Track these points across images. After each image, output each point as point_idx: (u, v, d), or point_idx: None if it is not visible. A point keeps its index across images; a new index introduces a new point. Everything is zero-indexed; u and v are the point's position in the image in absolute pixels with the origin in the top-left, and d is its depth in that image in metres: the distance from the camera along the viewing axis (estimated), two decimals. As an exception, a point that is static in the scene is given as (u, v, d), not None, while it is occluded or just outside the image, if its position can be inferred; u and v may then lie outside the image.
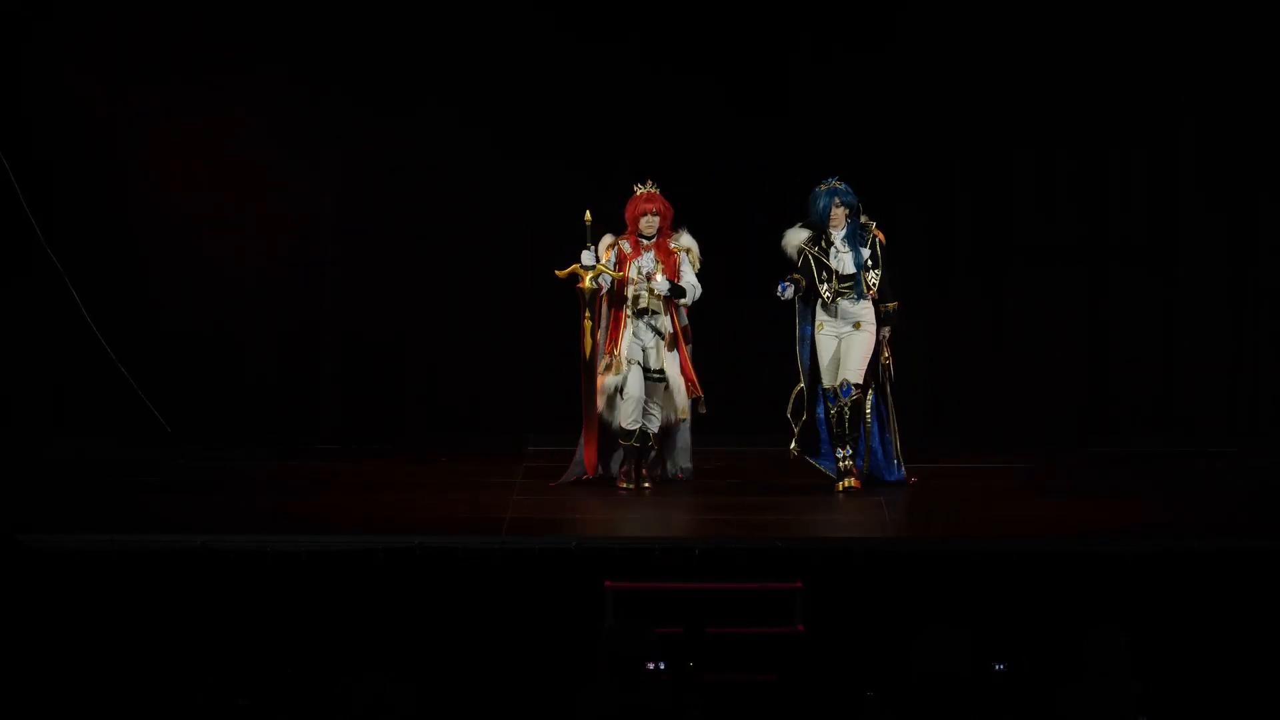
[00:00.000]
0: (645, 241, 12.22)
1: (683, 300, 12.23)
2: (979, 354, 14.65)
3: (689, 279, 12.23)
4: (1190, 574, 10.81)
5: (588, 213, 12.02)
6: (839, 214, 12.08)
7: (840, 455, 12.21)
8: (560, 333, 14.23)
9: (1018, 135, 14.50)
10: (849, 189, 12.14)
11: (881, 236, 12.26)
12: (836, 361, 12.19)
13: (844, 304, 12.12)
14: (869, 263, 12.15)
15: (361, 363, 14.63)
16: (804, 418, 12.29)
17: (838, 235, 12.12)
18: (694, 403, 12.29)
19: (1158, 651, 10.18)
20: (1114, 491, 12.87)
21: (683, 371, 12.27)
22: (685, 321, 12.34)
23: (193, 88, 14.34)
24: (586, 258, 12.12)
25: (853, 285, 12.11)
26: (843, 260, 12.12)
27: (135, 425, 14.28)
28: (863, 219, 12.25)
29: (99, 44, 14.32)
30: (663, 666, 8.63)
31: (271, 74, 14.37)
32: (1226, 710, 10.22)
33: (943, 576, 10.85)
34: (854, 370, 12.17)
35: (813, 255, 12.09)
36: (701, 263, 12.29)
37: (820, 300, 12.17)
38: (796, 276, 12.13)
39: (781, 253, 12.26)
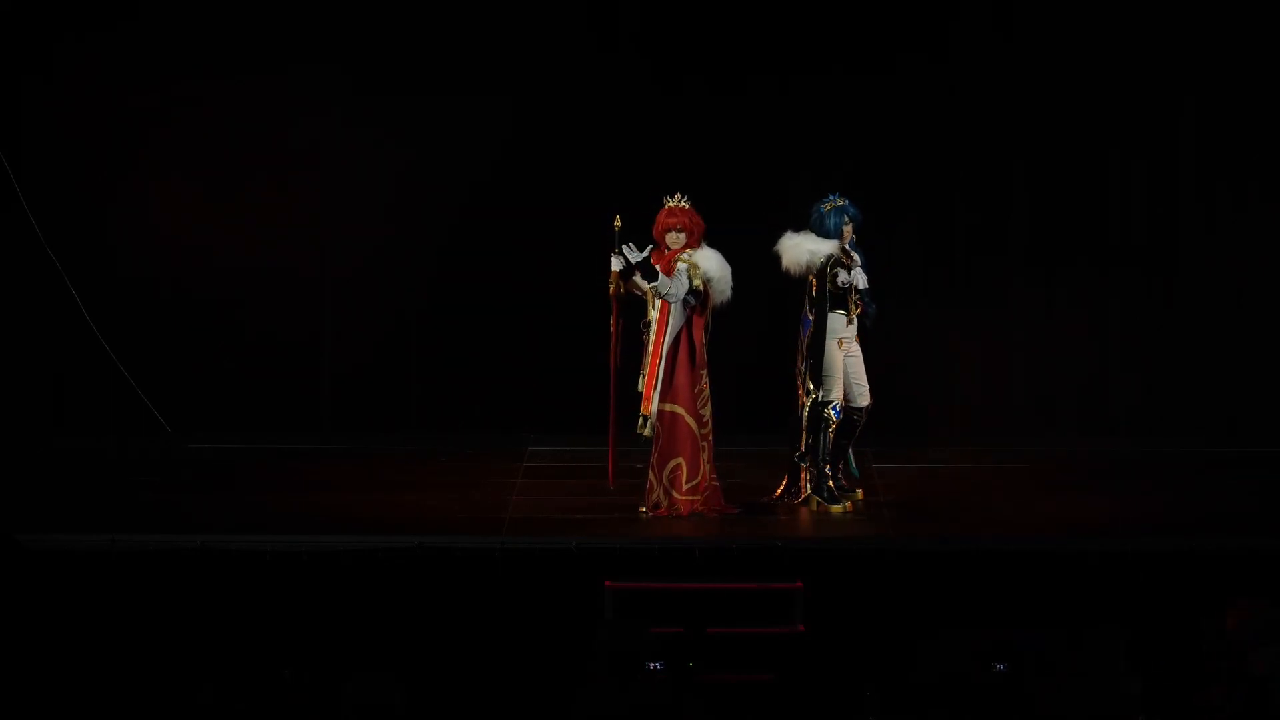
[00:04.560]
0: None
1: (656, 288, 11.66)
2: (979, 353, 14.64)
3: (674, 279, 11.69)
4: (1190, 574, 10.81)
5: (617, 218, 11.85)
6: (847, 231, 12.02)
7: (830, 474, 12.07)
8: (560, 333, 14.25)
9: (1017, 135, 14.49)
10: (852, 204, 12.04)
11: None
12: (847, 377, 12.08)
13: (857, 319, 12.07)
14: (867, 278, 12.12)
15: (362, 362, 14.62)
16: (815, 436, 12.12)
17: (853, 252, 12.04)
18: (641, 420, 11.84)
19: (1158, 651, 10.19)
20: (1114, 491, 12.86)
21: (645, 384, 11.82)
22: (680, 338, 11.77)
23: (193, 83, 14.35)
24: (616, 263, 11.90)
25: (863, 300, 12.05)
26: (860, 275, 12.05)
27: (134, 424, 14.28)
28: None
29: (99, 45, 14.33)
30: (660, 666, 8.64)
31: (273, 71, 14.36)
32: (1226, 710, 10.21)
33: (942, 576, 10.85)
34: (868, 391, 12.12)
35: (847, 267, 12.00)
36: (709, 283, 11.75)
37: (845, 313, 12.03)
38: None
39: (778, 259, 12.09)
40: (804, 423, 12.03)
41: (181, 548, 10.87)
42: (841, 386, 12.01)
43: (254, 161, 14.47)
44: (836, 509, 11.97)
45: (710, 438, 11.86)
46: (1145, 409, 14.61)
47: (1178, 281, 14.61)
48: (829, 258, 11.92)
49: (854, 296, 12.01)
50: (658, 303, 11.81)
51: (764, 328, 13.76)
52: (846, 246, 12.01)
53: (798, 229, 12.04)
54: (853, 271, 12.00)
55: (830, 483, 12.01)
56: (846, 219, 11.99)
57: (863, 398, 12.11)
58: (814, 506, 12.01)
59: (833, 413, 11.99)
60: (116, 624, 10.61)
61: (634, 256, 11.75)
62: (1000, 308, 14.65)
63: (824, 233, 11.98)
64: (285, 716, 8.64)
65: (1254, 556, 10.90)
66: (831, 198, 12.06)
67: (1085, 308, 14.61)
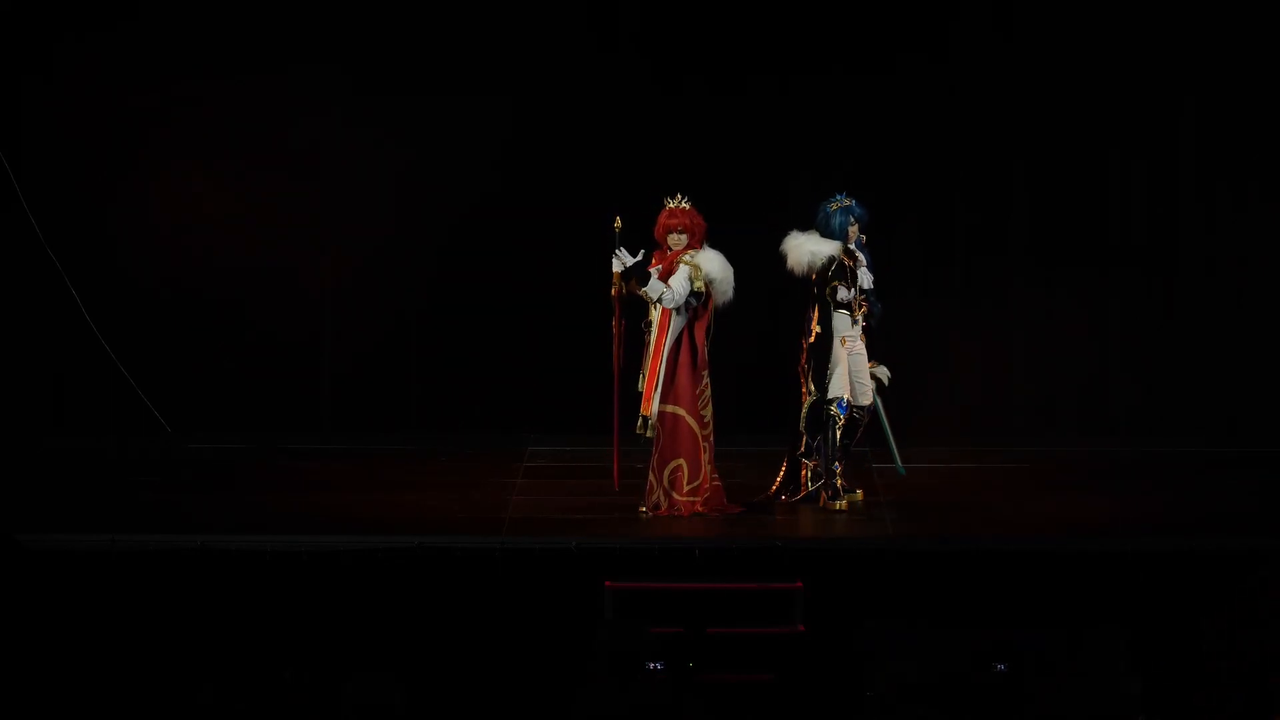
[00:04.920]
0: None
1: (647, 293, 11.68)
2: (979, 353, 14.65)
3: (673, 282, 11.65)
4: (1190, 574, 10.81)
5: (618, 219, 11.83)
6: (853, 231, 12.01)
7: (837, 471, 12.07)
8: (561, 333, 14.25)
9: (1017, 135, 14.50)
10: (858, 204, 12.04)
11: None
12: (850, 376, 12.06)
13: (860, 319, 12.06)
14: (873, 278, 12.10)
15: (362, 362, 14.62)
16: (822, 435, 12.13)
17: (858, 252, 12.04)
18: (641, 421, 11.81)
19: (1158, 651, 10.19)
20: (1114, 491, 12.87)
21: (646, 385, 11.80)
22: (682, 339, 11.75)
23: (193, 84, 14.35)
24: (616, 264, 11.86)
25: (868, 300, 12.05)
26: (865, 275, 12.05)
27: (134, 425, 14.28)
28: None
29: (99, 45, 14.33)
30: (660, 666, 8.63)
31: (273, 71, 14.36)
32: (1227, 709, 10.22)
33: (942, 576, 10.85)
34: (870, 390, 12.09)
35: (849, 269, 12.00)
36: (711, 285, 11.71)
37: (849, 313, 12.02)
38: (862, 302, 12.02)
39: (783, 258, 12.10)
40: (803, 421, 12.05)
41: (181, 548, 10.86)
42: (847, 385, 12.00)
43: (254, 161, 14.47)
44: (840, 504, 11.95)
45: (711, 437, 11.86)
46: (1145, 409, 14.61)
47: (1178, 281, 14.61)
48: (830, 259, 11.93)
49: (858, 296, 12.02)
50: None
51: (764, 328, 13.77)
52: (852, 246, 12.00)
53: (804, 228, 12.04)
54: (858, 271, 12.01)
55: (838, 481, 12.00)
56: (852, 219, 11.98)
57: (865, 396, 12.11)
58: (820, 502, 12.02)
59: (838, 410, 11.99)
60: (116, 624, 10.60)
61: (628, 261, 11.74)
62: (1000, 308, 14.65)
63: (829, 232, 11.98)
64: (285, 716, 8.65)
65: (1254, 556, 10.89)
66: (838, 197, 12.05)
67: (1085, 308, 14.61)
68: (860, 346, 12.08)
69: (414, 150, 14.46)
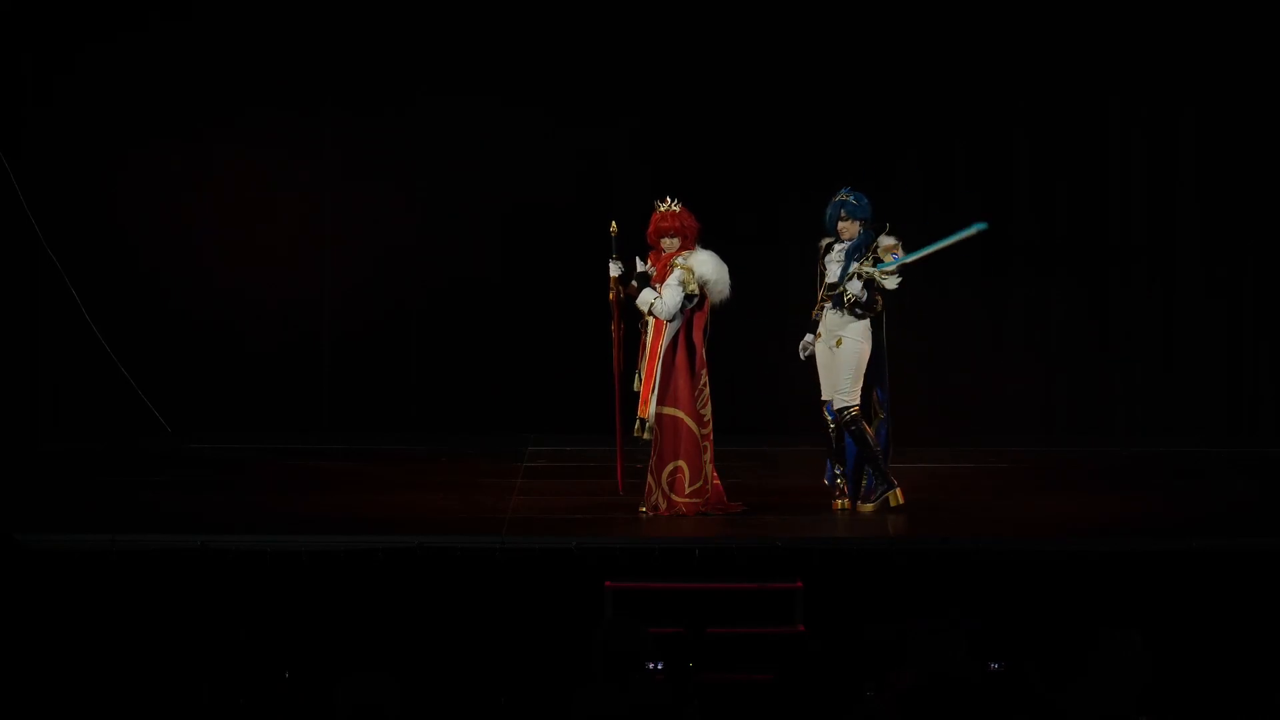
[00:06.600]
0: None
1: (638, 304, 11.69)
2: (978, 353, 14.65)
3: (665, 292, 11.62)
4: (1191, 574, 10.81)
5: (614, 223, 11.81)
6: (848, 226, 11.79)
7: (838, 472, 12.01)
8: (560, 333, 14.26)
9: (1017, 135, 14.50)
10: (859, 201, 11.86)
11: (894, 249, 11.88)
12: (822, 372, 11.98)
13: (830, 314, 11.91)
14: (853, 273, 11.84)
15: (362, 362, 14.63)
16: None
17: (839, 246, 11.91)
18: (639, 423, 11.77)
19: (1159, 651, 10.18)
20: (1114, 491, 12.87)
21: (643, 387, 11.76)
22: (679, 340, 11.67)
23: (194, 83, 14.36)
24: (614, 268, 11.87)
25: (833, 295, 11.91)
26: (832, 269, 11.91)
27: (134, 425, 14.28)
28: (876, 234, 11.98)
29: (100, 52, 14.34)
30: (660, 666, 8.63)
31: (271, 77, 14.38)
32: (1228, 709, 10.22)
33: (942, 576, 10.85)
34: (845, 391, 11.81)
35: (816, 265, 11.98)
36: (706, 285, 11.65)
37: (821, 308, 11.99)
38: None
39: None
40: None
41: (181, 548, 10.86)
42: (828, 387, 11.93)
43: (254, 161, 14.48)
44: (868, 506, 11.94)
45: (711, 436, 11.85)
46: (1145, 409, 14.61)
47: (1178, 281, 14.61)
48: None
49: (820, 291, 11.91)
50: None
51: (763, 327, 13.77)
52: (842, 241, 11.86)
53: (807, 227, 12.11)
54: (824, 269, 11.91)
55: (864, 481, 11.94)
56: (842, 212, 11.85)
57: (827, 394, 12.00)
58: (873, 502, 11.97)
59: (827, 414, 11.92)
60: (116, 624, 10.60)
61: (637, 268, 11.77)
62: (1000, 307, 14.66)
63: (825, 223, 11.94)
64: (285, 717, 8.65)
65: (1254, 556, 10.89)
66: (842, 191, 11.94)
67: (1086, 308, 14.61)
68: (832, 346, 11.89)
69: (414, 151, 14.48)
